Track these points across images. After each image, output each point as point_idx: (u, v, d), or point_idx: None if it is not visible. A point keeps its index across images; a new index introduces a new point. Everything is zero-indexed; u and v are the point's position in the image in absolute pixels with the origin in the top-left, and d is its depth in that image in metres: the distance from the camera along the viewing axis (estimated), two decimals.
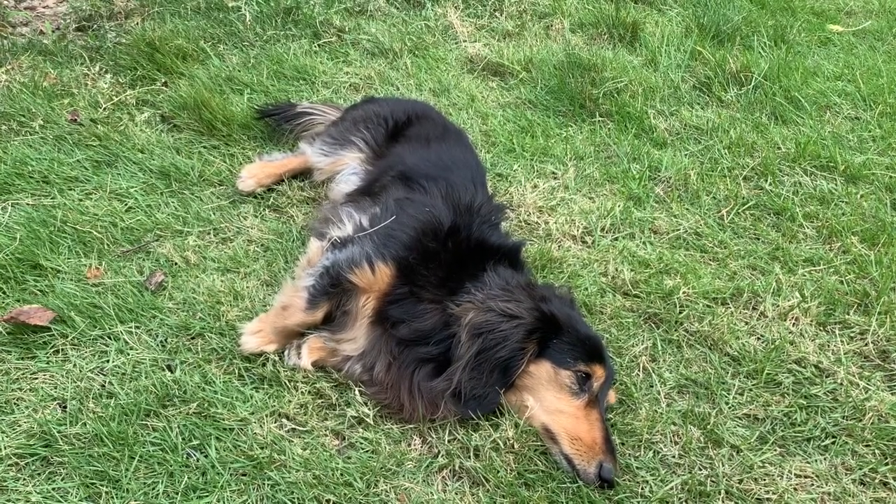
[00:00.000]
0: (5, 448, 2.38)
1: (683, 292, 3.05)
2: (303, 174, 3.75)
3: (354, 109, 3.82)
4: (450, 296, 2.64)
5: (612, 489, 2.32)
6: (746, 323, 2.97)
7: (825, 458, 2.45)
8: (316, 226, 3.15)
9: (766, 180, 3.80)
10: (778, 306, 3.02)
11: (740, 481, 2.36)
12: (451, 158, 3.28)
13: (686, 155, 4.03)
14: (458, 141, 3.51)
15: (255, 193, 3.62)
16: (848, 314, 2.99)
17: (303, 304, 2.73)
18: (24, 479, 2.31)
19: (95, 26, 5.09)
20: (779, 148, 4.07)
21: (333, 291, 2.71)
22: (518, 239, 3.12)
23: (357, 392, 2.63)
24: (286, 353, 2.76)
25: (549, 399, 2.47)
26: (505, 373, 2.46)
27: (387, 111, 3.65)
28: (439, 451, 2.44)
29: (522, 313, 2.50)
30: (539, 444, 2.45)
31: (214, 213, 3.46)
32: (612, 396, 2.58)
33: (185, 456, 2.40)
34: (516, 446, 2.44)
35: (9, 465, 2.35)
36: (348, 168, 3.50)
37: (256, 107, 4.15)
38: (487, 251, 2.80)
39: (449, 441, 2.48)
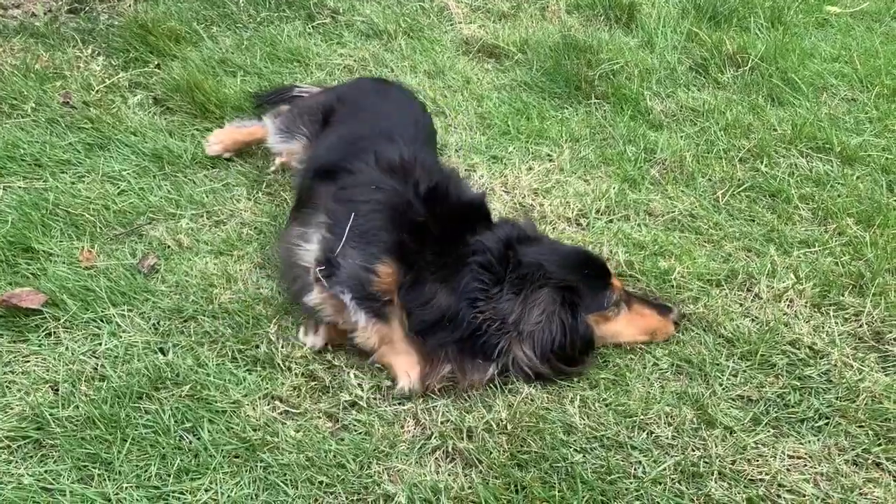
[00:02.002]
0: None
1: (678, 273, 3.04)
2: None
3: (301, 101, 3.79)
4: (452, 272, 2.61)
5: (681, 323, 2.84)
6: (741, 304, 2.96)
7: (818, 439, 2.45)
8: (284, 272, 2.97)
9: (762, 162, 3.78)
10: (773, 288, 3.01)
11: (733, 462, 2.36)
12: (356, 134, 3.23)
13: (682, 137, 4.01)
14: (372, 111, 3.44)
15: (223, 158, 3.69)
16: (843, 296, 2.98)
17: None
18: (17, 462, 2.31)
19: (87, 8, 5.04)
20: (775, 130, 4.05)
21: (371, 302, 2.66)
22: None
23: (351, 375, 2.63)
24: (300, 329, 2.76)
25: (611, 333, 2.74)
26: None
27: (321, 102, 3.59)
28: (432, 433, 2.44)
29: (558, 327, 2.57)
30: (532, 424, 2.45)
31: (207, 196, 3.45)
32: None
33: (177, 438, 2.40)
34: (509, 428, 2.44)
35: (1, 448, 2.35)
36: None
37: (253, 93, 4.14)
38: (456, 208, 2.80)
39: (442, 423, 2.48)
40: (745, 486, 2.30)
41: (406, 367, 2.60)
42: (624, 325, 2.74)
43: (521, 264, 2.59)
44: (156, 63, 4.44)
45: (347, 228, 2.68)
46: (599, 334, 2.68)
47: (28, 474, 2.27)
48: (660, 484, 2.31)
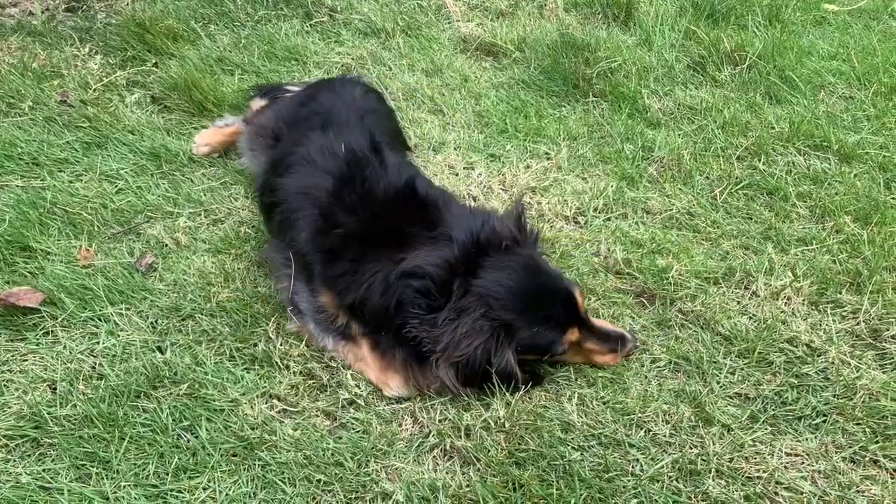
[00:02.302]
0: None
1: (676, 270, 3.04)
2: None
3: (261, 113, 3.66)
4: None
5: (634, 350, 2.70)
6: (738, 302, 2.96)
7: (816, 437, 2.46)
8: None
9: (760, 160, 3.78)
10: (770, 286, 3.01)
11: (731, 460, 2.37)
12: (283, 153, 3.11)
13: (679, 135, 4.00)
14: (304, 119, 3.30)
15: (212, 158, 3.71)
16: (840, 293, 2.98)
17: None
18: (15, 461, 2.32)
19: (85, 7, 5.04)
20: (772, 127, 4.05)
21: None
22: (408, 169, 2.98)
23: (349, 374, 2.63)
24: None
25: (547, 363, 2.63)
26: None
27: (270, 125, 3.45)
28: (430, 431, 2.45)
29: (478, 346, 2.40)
30: (530, 422, 2.45)
31: (205, 195, 3.45)
32: (580, 298, 2.54)
33: (175, 437, 2.40)
34: (507, 426, 2.44)
35: None
36: None
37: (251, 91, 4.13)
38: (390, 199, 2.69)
39: (440, 421, 2.48)
40: (742, 484, 2.30)
41: (383, 379, 2.60)
42: (568, 357, 2.64)
43: (466, 294, 2.41)
44: (153, 61, 4.43)
45: (293, 266, 2.74)
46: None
47: (26, 473, 2.27)
48: (657, 482, 2.31)
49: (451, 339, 2.36)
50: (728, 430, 2.46)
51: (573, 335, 2.51)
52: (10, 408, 2.47)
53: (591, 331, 2.58)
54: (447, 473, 2.33)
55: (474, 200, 3.48)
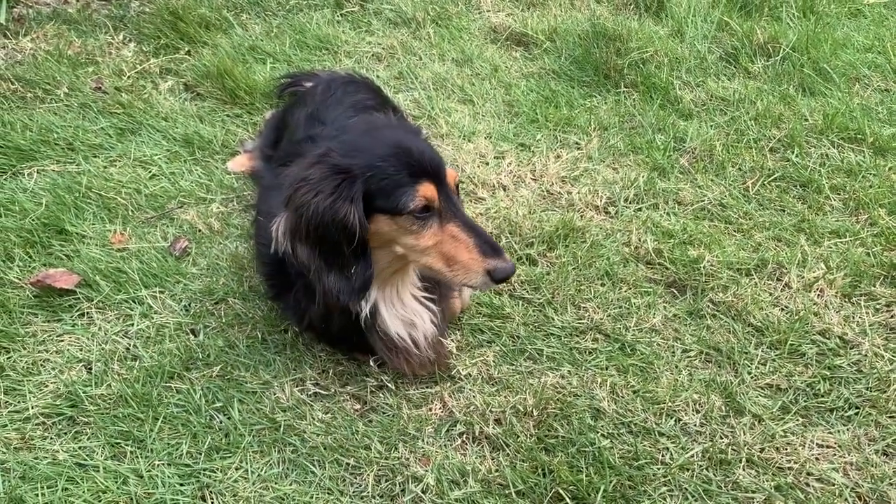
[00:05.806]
0: (33, 407, 2.43)
1: (708, 261, 3.02)
2: None
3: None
4: None
5: (507, 281, 2.33)
6: (770, 294, 2.94)
7: (848, 429, 2.44)
8: None
9: (793, 152, 3.74)
10: (803, 277, 2.99)
11: (762, 450, 2.35)
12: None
13: (712, 126, 3.97)
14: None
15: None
16: (874, 286, 2.95)
17: None
18: (51, 438, 2.36)
19: None
20: (806, 120, 4.00)
21: None
22: None
23: (372, 362, 2.62)
24: None
25: (407, 244, 2.22)
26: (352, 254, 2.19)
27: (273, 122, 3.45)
28: (459, 417, 2.45)
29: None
30: (559, 411, 2.45)
31: (237, 181, 3.47)
32: (451, 176, 2.24)
33: (208, 417, 2.43)
34: (535, 413, 2.44)
35: (36, 424, 2.40)
36: None
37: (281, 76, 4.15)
38: None
39: (469, 406, 2.49)
40: (773, 474, 2.29)
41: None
42: (429, 242, 2.21)
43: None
44: (186, 50, 4.47)
45: None
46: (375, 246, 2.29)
47: (62, 450, 2.31)
48: (687, 470, 2.30)
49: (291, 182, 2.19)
50: (759, 421, 2.45)
51: (428, 190, 2.15)
52: (46, 386, 2.51)
53: (456, 213, 2.22)
54: (477, 458, 2.34)
55: (504, 190, 3.48)
